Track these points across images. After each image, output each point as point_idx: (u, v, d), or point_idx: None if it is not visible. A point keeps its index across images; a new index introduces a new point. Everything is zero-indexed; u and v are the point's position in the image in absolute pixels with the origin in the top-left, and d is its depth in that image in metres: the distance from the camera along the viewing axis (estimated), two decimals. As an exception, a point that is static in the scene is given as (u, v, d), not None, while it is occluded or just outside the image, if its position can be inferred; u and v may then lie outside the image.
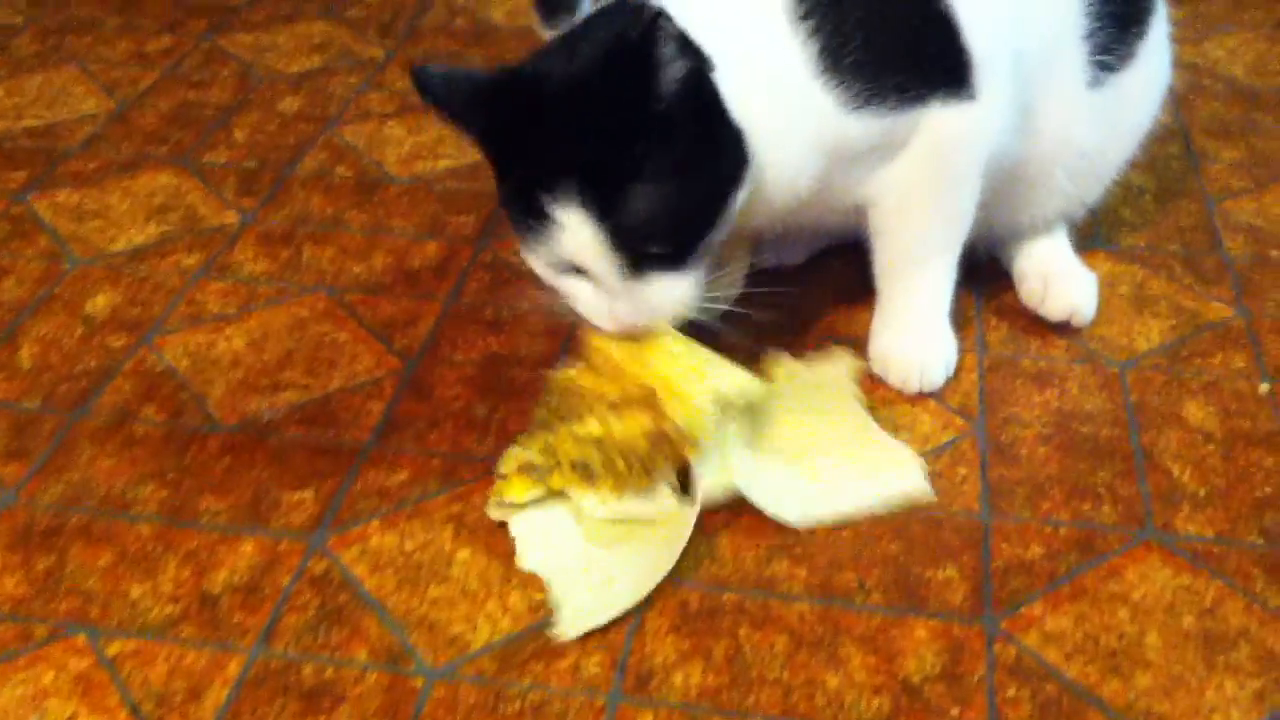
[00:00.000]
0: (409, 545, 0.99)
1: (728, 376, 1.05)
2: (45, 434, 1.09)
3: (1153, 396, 1.16)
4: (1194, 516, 1.03)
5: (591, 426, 1.03)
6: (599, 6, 1.12)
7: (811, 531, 1.01)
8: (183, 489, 1.03)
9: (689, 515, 1.01)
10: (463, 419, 1.11)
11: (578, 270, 1.01)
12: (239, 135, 1.53)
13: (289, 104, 1.60)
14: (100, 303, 1.24)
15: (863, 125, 1.06)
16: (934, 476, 1.06)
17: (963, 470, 1.07)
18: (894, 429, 1.11)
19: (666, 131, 0.97)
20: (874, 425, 1.10)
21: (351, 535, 1.00)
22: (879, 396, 1.15)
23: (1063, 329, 1.23)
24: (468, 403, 1.13)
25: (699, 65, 0.97)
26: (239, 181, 1.44)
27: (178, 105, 1.59)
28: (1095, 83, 1.16)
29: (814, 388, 1.12)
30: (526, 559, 1.00)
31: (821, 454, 1.08)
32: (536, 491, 1.03)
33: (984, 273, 1.27)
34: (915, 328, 1.17)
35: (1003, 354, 1.21)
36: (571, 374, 1.06)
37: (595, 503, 1.02)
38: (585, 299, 1.03)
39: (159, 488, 1.04)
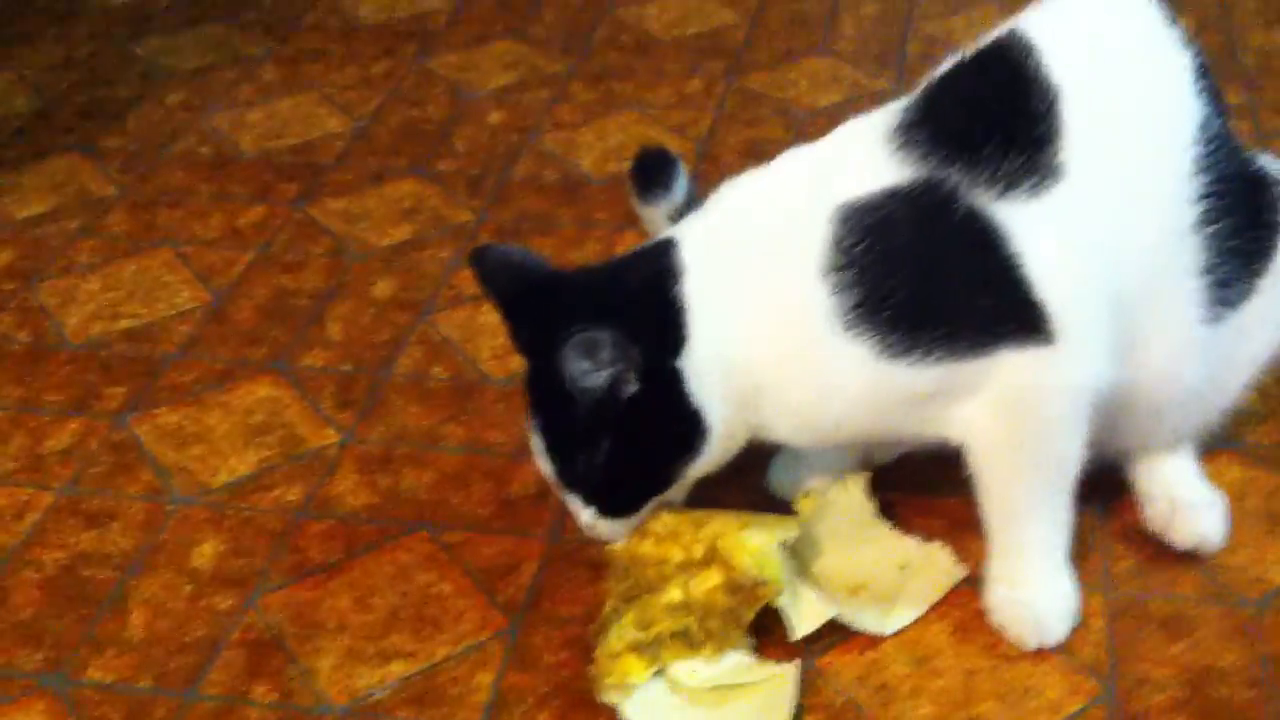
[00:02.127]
0: None
1: (769, 522, 1.13)
2: (157, 723, 1.09)
3: (1292, 646, 1.10)
4: (1344, 809, 0.98)
5: (674, 594, 1.09)
6: (650, 242, 1.11)
7: (937, 836, 0.97)
8: (295, 791, 1.03)
9: (790, 671, 1.08)
10: (571, 694, 1.09)
11: None
12: (333, 331, 1.52)
13: (382, 289, 1.59)
14: (206, 553, 1.24)
15: (904, 375, 1.03)
16: (1063, 759, 1.02)
17: (1094, 750, 1.03)
18: (1020, 693, 1.07)
19: (596, 420, 1.05)
20: (894, 533, 1.20)
21: None
22: (1001, 652, 1.11)
23: (1191, 555, 1.18)
24: (575, 671, 1.11)
25: (627, 369, 1.04)
26: (336, 389, 1.43)
27: (272, 295, 1.58)
28: (1211, 319, 1.10)
29: (836, 514, 1.19)
30: None
31: (870, 574, 1.17)
32: (652, 668, 1.07)
33: (1105, 487, 1.22)
34: (1028, 580, 1.12)
35: (1129, 593, 1.16)
36: (630, 546, 1.12)
37: (689, 672, 1.07)
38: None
39: (272, 790, 1.03)
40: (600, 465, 1.07)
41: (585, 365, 1.02)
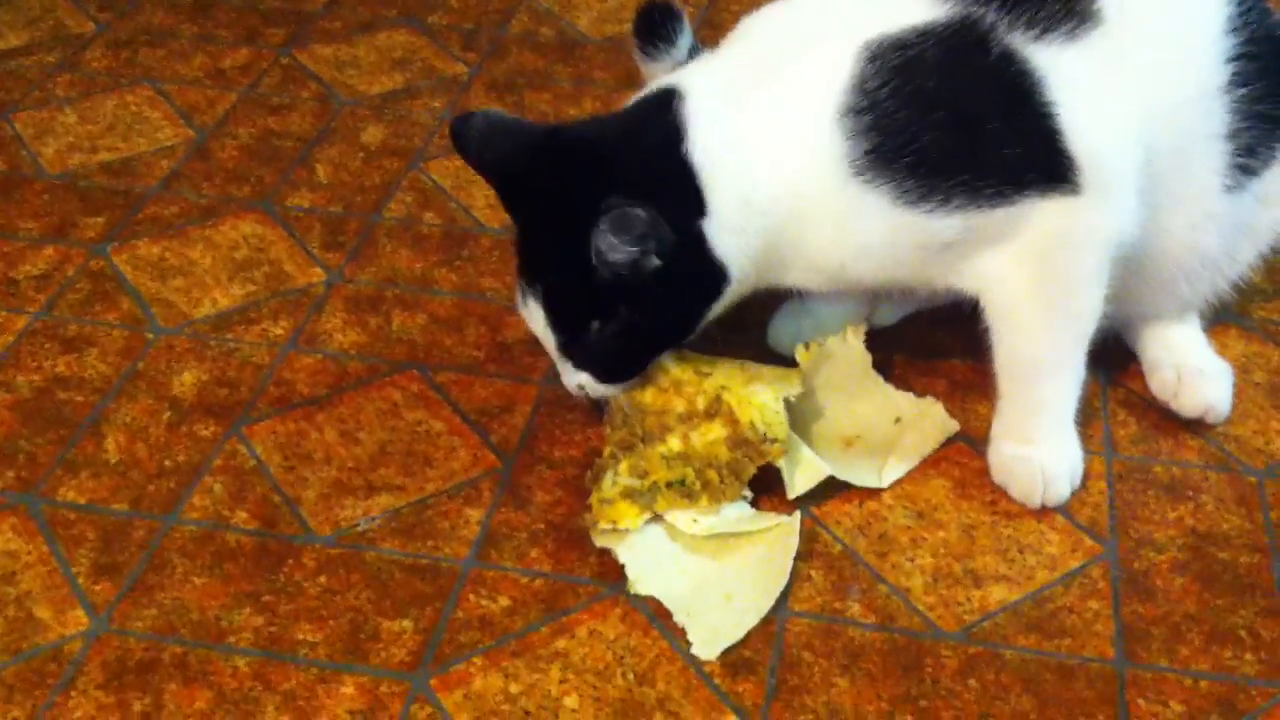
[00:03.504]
0: (514, 688, 0.95)
1: (774, 376, 1.11)
2: (135, 544, 1.05)
3: (1294, 514, 1.09)
4: (1344, 668, 0.97)
5: (674, 443, 1.07)
6: (651, 90, 1.06)
7: (936, 681, 0.96)
8: (279, 615, 1.00)
9: (793, 522, 1.06)
10: (563, 532, 1.06)
11: None
12: (322, 173, 1.47)
13: (372, 135, 1.53)
14: (187, 381, 1.20)
15: (925, 220, 1.00)
16: (1065, 612, 1.01)
17: (1094, 605, 1.01)
18: (1019, 549, 1.06)
19: (617, 292, 1.01)
20: (889, 387, 1.17)
21: (453, 676, 0.96)
22: (1002, 510, 1.09)
23: (1195, 425, 1.17)
24: (568, 511, 1.08)
25: (655, 246, 0.99)
26: (324, 230, 1.38)
27: (258, 135, 1.53)
28: (1233, 187, 1.07)
29: (833, 366, 1.16)
30: (641, 584, 1.02)
31: (865, 426, 1.15)
32: (645, 516, 1.05)
33: (1110, 354, 1.19)
34: (1037, 437, 1.10)
35: (1132, 457, 1.14)
36: (631, 393, 1.09)
37: (690, 521, 1.05)
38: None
39: (255, 613, 1.00)
40: (612, 334, 1.03)
41: (618, 241, 0.97)
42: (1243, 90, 1.05)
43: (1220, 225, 1.10)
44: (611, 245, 0.98)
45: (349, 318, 1.28)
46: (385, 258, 1.35)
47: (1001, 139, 1.00)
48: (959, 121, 1.00)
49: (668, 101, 1.04)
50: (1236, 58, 1.05)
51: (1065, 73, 0.99)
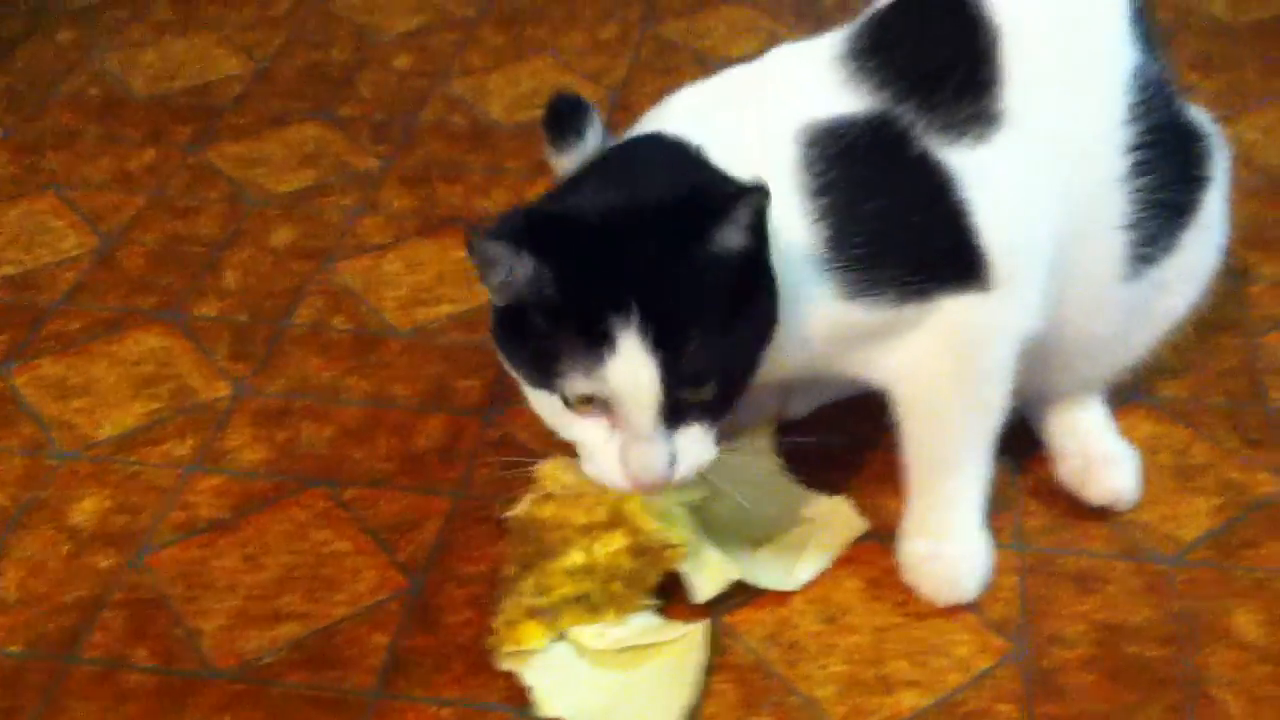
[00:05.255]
0: (420, 827, 0.94)
1: None
2: (33, 688, 1.02)
3: (1201, 603, 1.09)
4: (1252, 765, 0.97)
5: (576, 557, 1.05)
6: (629, 138, 1.04)
7: (847, 797, 0.95)
8: (179, 759, 0.98)
9: (700, 631, 1.05)
10: (472, 654, 1.05)
11: (596, 415, 0.93)
12: (230, 279, 1.45)
13: (281, 236, 1.52)
14: (88, 508, 1.18)
15: (857, 314, 0.99)
16: (976, 716, 1.00)
17: (1004, 708, 1.01)
18: (930, 651, 1.05)
19: (727, 279, 0.91)
20: (796, 485, 1.17)
21: (359, 817, 0.94)
22: (913, 610, 1.09)
23: (1104, 511, 1.17)
24: (478, 632, 1.07)
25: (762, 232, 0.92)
26: (232, 339, 1.37)
27: (165, 240, 1.51)
28: (1130, 276, 1.08)
29: (742, 468, 1.12)
30: (548, 706, 1.00)
31: (774, 528, 1.14)
32: (551, 635, 1.04)
33: (1017, 442, 1.19)
34: (947, 534, 1.09)
35: (1042, 549, 1.14)
36: (531, 509, 1.08)
37: (596, 635, 1.04)
38: (598, 449, 0.94)
39: (154, 758, 0.98)
40: (715, 331, 0.91)
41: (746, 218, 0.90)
42: (1143, 180, 1.05)
43: (1117, 313, 1.11)
44: (742, 222, 0.90)
45: (256, 432, 1.26)
46: (294, 366, 1.34)
47: (927, 234, 1.00)
48: (893, 213, 0.99)
49: (657, 141, 0.98)
50: (1137, 146, 1.05)
51: (977, 172, 0.99)
